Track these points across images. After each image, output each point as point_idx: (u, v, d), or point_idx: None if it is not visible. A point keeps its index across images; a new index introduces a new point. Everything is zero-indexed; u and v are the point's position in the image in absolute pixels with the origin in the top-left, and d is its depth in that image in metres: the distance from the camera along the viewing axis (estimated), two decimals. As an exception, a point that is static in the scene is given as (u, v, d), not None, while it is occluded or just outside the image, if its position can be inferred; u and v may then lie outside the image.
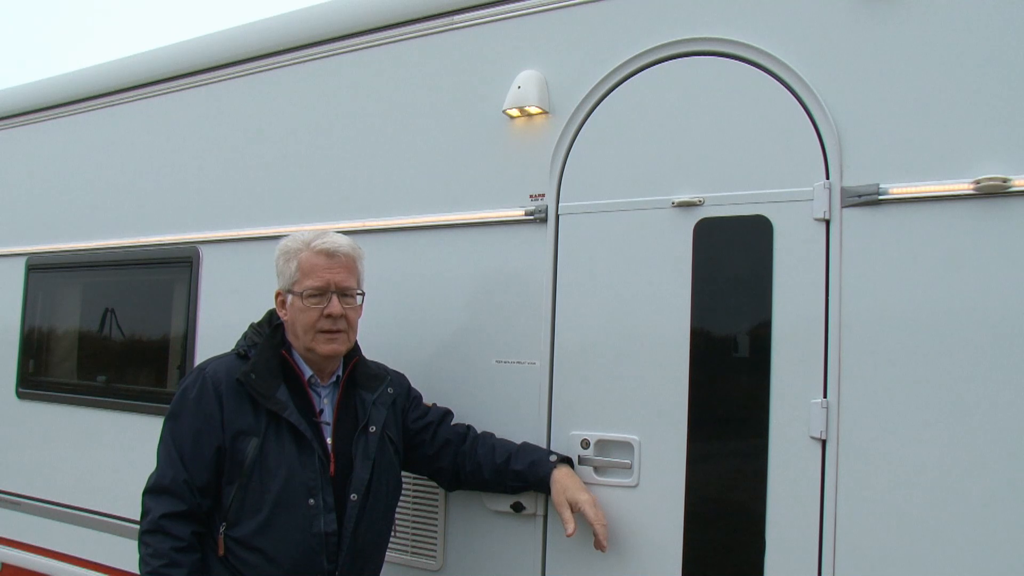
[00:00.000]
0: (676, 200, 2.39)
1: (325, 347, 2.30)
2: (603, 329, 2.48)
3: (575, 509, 2.32)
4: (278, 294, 2.39)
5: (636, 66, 2.50)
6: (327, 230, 2.43)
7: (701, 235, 2.36)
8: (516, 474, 2.43)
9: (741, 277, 2.33)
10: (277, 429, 2.24)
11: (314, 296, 2.29)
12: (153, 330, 3.72)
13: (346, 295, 2.34)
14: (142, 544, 2.19)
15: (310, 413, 2.31)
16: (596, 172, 2.55)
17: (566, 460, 2.45)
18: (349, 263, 2.36)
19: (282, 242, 2.40)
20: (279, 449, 2.23)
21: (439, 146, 2.86)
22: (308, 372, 2.36)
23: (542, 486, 2.41)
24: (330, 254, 2.32)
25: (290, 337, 2.38)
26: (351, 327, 2.36)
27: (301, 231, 2.42)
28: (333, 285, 2.31)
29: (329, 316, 2.28)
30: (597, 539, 2.32)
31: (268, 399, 2.25)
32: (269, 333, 2.39)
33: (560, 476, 2.38)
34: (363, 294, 2.42)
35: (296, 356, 2.37)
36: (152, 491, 2.22)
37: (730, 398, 2.34)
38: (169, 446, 2.24)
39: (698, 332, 2.34)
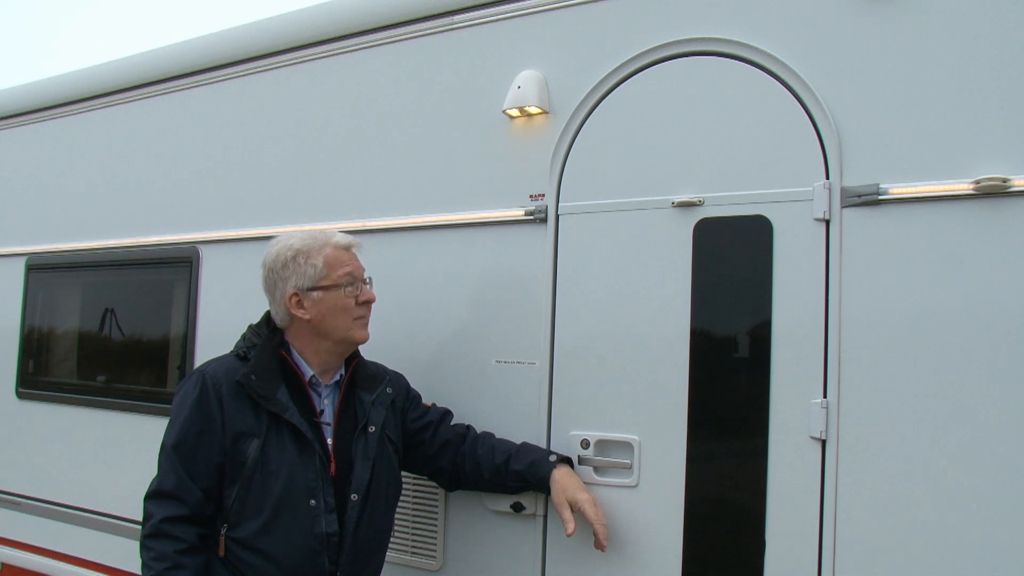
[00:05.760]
0: (676, 200, 2.39)
1: (363, 332, 2.41)
2: (603, 329, 2.49)
3: (575, 509, 2.32)
4: (292, 295, 2.34)
5: (636, 66, 2.50)
6: (324, 229, 2.46)
7: (701, 235, 2.36)
8: (516, 474, 2.43)
9: (741, 277, 2.33)
10: (278, 430, 2.24)
11: (351, 284, 2.37)
12: (153, 330, 3.72)
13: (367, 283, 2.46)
14: (144, 549, 2.17)
15: (310, 414, 2.31)
16: (596, 172, 2.55)
17: (566, 460, 2.45)
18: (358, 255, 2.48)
19: (285, 245, 2.36)
20: (280, 450, 2.23)
21: (439, 146, 2.86)
22: (309, 373, 2.36)
23: (542, 486, 2.41)
24: (347, 247, 2.42)
25: (307, 336, 2.36)
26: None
27: (291, 234, 2.42)
28: (362, 273, 2.42)
29: (365, 303, 2.39)
30: (597, 539, 2.32)
31: (269, 400, 2.25)
32: (268, 334, 2.39)
33: (560, 476, 2.38)
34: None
35: (296, 357, 2.37)
36: (154, 496, 2.21)
37: (730, 398, 2.34)
38: (171, 450, 2.22)
39: (698, 332, 2.34)
